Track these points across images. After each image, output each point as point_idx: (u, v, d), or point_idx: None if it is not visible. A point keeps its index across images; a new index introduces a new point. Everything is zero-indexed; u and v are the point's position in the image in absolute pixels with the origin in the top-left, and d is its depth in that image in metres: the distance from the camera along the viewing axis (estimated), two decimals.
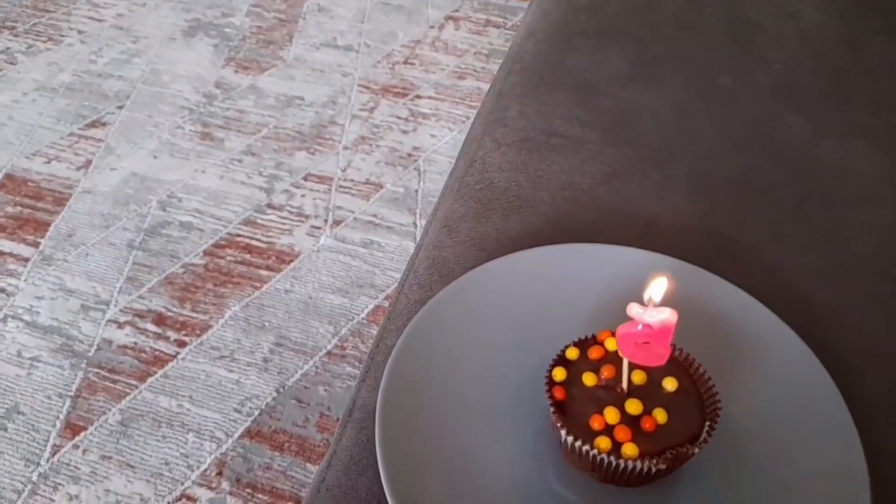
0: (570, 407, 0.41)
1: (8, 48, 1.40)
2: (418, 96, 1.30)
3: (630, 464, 0.39)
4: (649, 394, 0.41)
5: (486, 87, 1.33)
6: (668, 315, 0.37)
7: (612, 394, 0.41)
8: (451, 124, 1.25)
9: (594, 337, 0.44)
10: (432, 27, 1.48)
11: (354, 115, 1.26)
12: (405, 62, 1.39)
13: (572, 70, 0.59)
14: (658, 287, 0.40)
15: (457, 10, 1.51)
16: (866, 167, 0.52)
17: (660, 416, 0.41)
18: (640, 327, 0.38)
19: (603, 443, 0.39)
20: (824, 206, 0.50)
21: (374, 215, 1.08)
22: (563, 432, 0.40)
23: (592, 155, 0.52)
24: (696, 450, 0.40)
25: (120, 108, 1.27)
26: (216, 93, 1.31)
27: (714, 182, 0.51)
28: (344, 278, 0.99)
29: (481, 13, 1.51)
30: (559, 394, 0.42)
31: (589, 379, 0.42)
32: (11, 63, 1.36)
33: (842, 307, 0.44)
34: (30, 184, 1.13)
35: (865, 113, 0.56)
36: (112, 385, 0.87)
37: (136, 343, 0.91)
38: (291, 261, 1.01)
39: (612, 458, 0.39)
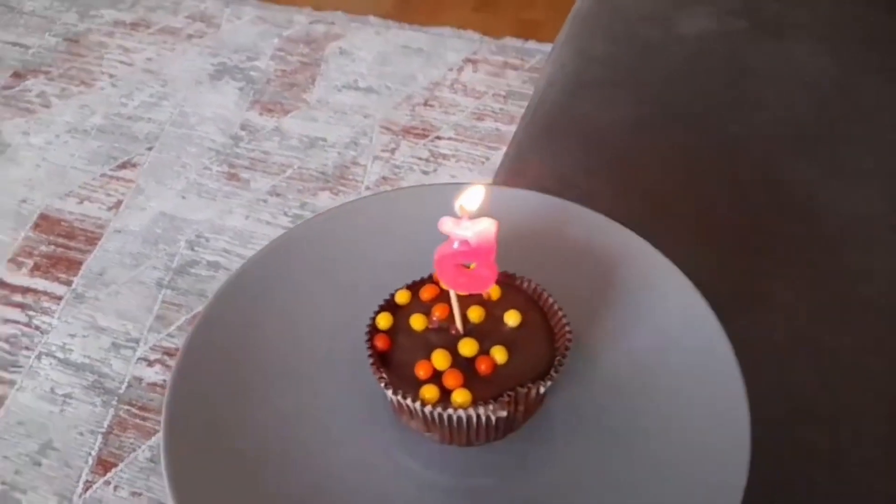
0: (395, 357, 0.35)
1: (43, 91, 1.46)
2: (438, 137, 1.34)
3: (463, 414, 0.33)
4: (488, 332, 0.35)
5: (504, 128, 1.37)
6: (486, 226, 0.31)
7: (444, 336, 0.35)
8: (471, 164, 1.28)
9: (430, 277, 0.38)
10: (451, 70, 1.52)
11: (376, 155, 1.30)
12: (425, 104, 1.43)
13: (582, 119, 0.62)
14: (471, 195, 0.34)
15: (475, 53, 1.56)
16: (868, 210, 0.54)
17: (498, 355, 0.34)
18: (455, 245, 0.32)
19: (428, 392, 0.33)
20: (830, 249, 0.51)
21: None
22: (382, 387, 0.35)
23: (604, 206, 0.55)
24: (541, 389, 0.34)
25: (149, 149, 1.31)
26: (242, 134, 1.35)
27: (721, 229, 0.53)
28: None
29: (499, 55, 1.55)
30: (382, 343, 0.36)
31: (417, 322, 0.36)
32: (46, 106, 1.42)
33: (849, 349, 0.45)
34: (63, 223, 1.17)
35: (867, 157, 0.58)
36: (142, 422, 0.89)
37: (165, 381, 0.94)
38: None
39: (440, 410, 0.33)
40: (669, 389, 0.37)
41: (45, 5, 1.74)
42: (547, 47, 1.56)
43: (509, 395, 0.33)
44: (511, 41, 1.59)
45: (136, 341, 0.99)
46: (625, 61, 0.67)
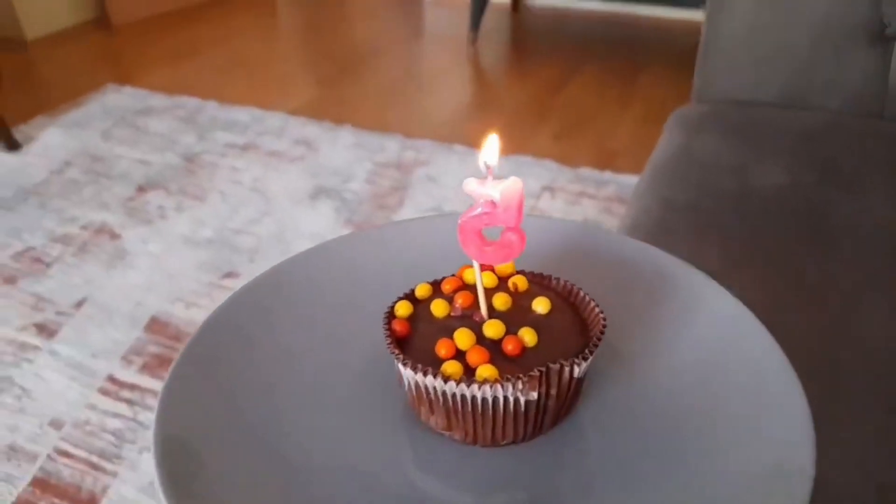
0: (414, 341, 0.32)
1: (161, 205, 1.62)
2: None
3: (489, 394, 0.30)
4: (515, 318, 0.32)
5: None
6: (511, 183, 0.29)
7: (468, 322, 0.32)
8: None
9: (452, 275, 0.35)
10: (530, 196, 1.61)
11: None
12: None
13: None
14: (492, 148, 0.32)
15: (553, 181, 1.65)
16: None
17: (527, 336, 0.31)
18: (479, 210, 0.30)
19: (451, 367, 0.30)
20: None
21: None
22: (401, 368, 0.31)
23: None
24: (574, 369, 0.31)
25: (251, 261, 1.43)
26: None
27: (808, 373, 0.56)
28: None
29: (576, 184, 1.64)
30: (400, 327, 0.33)
31: (439, 309, 0.33)
32: (163, 218, 1.57)
33: None
34: (171, 327, 1.27)
35: None
36: None
37: None
38: None
39: (464, 389, 0.30)
40: (717, 400, 0.34)
41: (169, 127, 1.95)
42: (622, 178, 1.64)
43: (540, 371, 0.30)
44: (588, 171, 1.68)
45: None
46: (706, 210, 0.73)
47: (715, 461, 0.31)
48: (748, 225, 0.71)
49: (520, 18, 2.85)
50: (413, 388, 0.32)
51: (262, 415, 0.34)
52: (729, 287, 0.40)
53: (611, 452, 0.32)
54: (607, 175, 1.66)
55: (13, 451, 1.02)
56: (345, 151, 1.81)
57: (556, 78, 2.24)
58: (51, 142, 1.89)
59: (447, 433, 0.33)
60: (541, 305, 0.33)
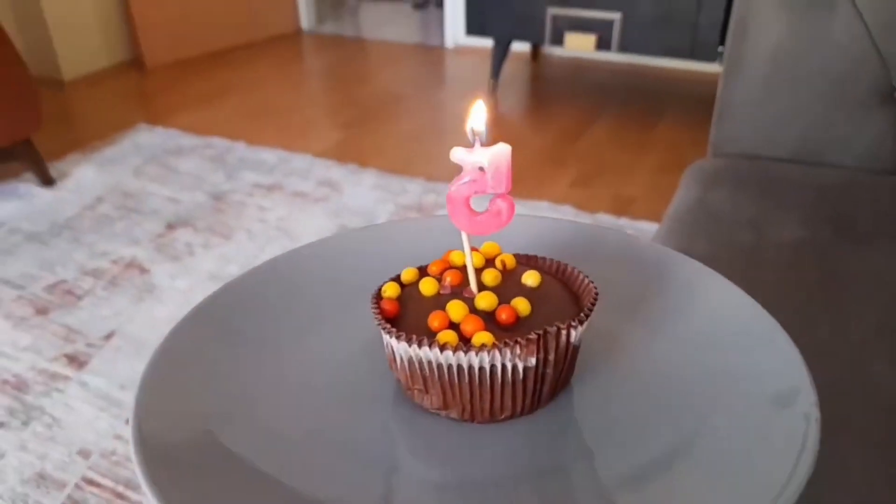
0: (405, 317, 0.32)
1: (189, 242, 1.67)
2: None
3: (487, 361, 0.29)
4: (507, 291, 0.32)
5: None
6: (499, 149, 0.29)
7: (458, 297, 0.32)
8: None
9: (438, 259, 0.35)
10: None
11: None
12: None
13: None
14: (478, 114, 0.31)
15: None
16: None
17: (521, 305, 0.31)
18: (467, 178, 0.30)
19: (446, 336, 0.29)
20: None
21: None
22: (392, 342, 0.30)
23: None
24: (571, 333, 0.31)
25: None
26: None
27: (827, 427, 0.58)
28: None
29: None
30: (389, 306, 0.32)
31: (428, 287, 0.32)
32: (190, 254, 1.62)
33: None
34: None
35: None
36: None
37: None
38: None
39: (460, 357, 0.29)
40: (712, 362, 0.33)
41: (198, 167, 2.02)
42: (640, 224, 1.68)
43: (538, 334, 0.29)
44: (605, 217, 1.71)
45: None
46: (722, 262, 0.76)
47: (715, 405, 0.31)
48: (763, 277, 0.74)
49: (539, 68, 2.93)
50: (406, 366, 0.31)
51: (249, 406, 0.33)
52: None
53: (610, 420, 0.32)
54: (624, 222, 1.69)
55: (42, 478, 1.05)
56: (368, 193, 1.86)
57: (573, 126, 2.30)
58: (84, 178, 1.96)
59: (443, 412, 0.32)
60: (531, 279, 0.33)
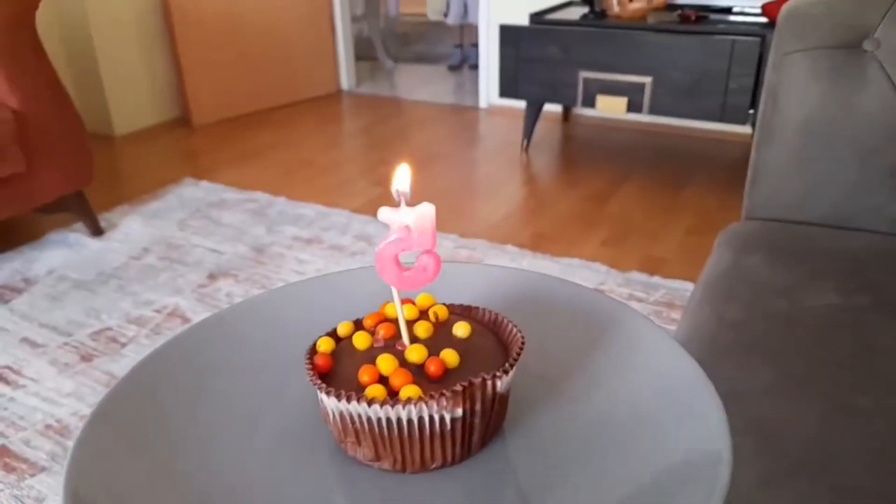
0: (337, 373, 0.32)
1: (230, 292, 1.72)
2: None
3: (414, 414, 0.30)
4: (437, 343, 0.33)
5: None
6: (424, 210, 0.30)
7: (390, 350, 0.33)
8: None
9: (374, 312, 0.36)
10: None
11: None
12: None
13: (723, 380, 0.71)
14: (403, 176, 0.32)
15: (602, 284, 1.70)
16: None
17: (449, 357, 0.32)
18: (394, 237, 0.31)
19: (374, 391, 0.30)
20: None
21: None
22: (323, 397, 0.31)
23: (745, 460, 0.62)
24: (497, 383, 0.31)
25: None
26: None
27: (858, 495, 0.59)
28: None
29: (625, 287, 1.69)
30: (322, 361, 0.32)
31: (361, 341, 0.33)
32: (231, 304, 1.67)
33: None
34: None
35: None
36: None
37: None
38: None
39: (388, 411, 0.30)
40: (641, 415, 0.34)
41: (240, 220, 2.09)
42: (671, 283, 1.69)
43: (463, 385, 0.30)
44: (636, 275, 1.73)
45: None
46: (757, 329, 0.77)
47: (641, 460, 0.32)
48: (798, 346, 0.75)
49: (570, 128, 2.99)
50: (339, 419, 0.32)
51: (184, 459, 0.33)
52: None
53: (540, 468, 0.32)
54: (656, 279, 1.71)
55: None
56: None
57: (604, 186, 2.34)
58: (131, 229, 2.04)
59: (376, 464, 0.32)
60: (461, 330, 0.34)
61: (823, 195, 1.02)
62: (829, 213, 1.02)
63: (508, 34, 2.38)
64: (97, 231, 2.00)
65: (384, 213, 0.31)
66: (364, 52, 4.03)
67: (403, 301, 0.34)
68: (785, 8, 1.06)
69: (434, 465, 0.33)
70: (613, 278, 1.72)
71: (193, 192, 2.30)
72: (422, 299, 0.36)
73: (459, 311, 0.37)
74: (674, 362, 0.37)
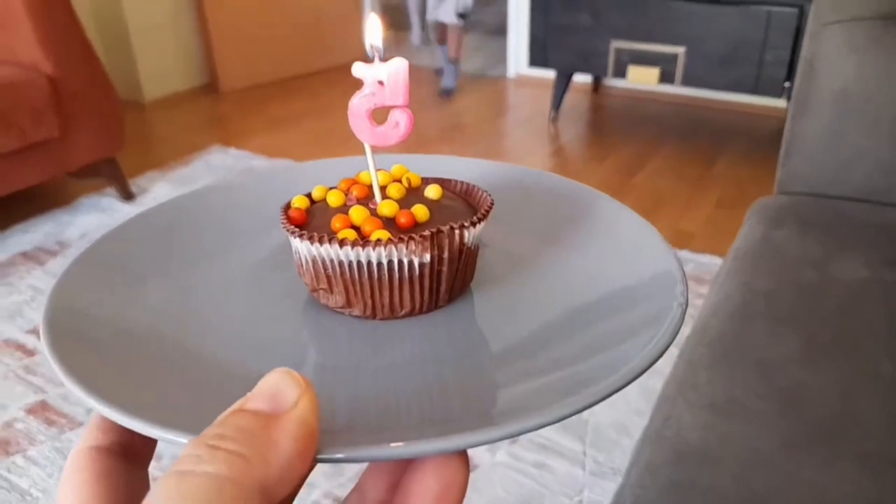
0: (311, 224, 0.34)
1: None
2: None
3: (384, 256, 0.31)
4: (408, 202, 0.34)
5: None
6: (396, 63, 0.31)
7: (363, 205, 0.34)
8: None
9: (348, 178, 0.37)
10: None
11: None
12: None
13: (751, 347, 0.71)
14: (375, 29, 0.33)
15: None
16: None
17: (419, 212, 0.33)
18: (367, 91, 0.32)
19: (345, 233, 0.31)
20: None
21: (547, 438, 1.19)
22: (296, 242, 0.32)
23: (769, 424, 0.62)
24: (464, 234, 0.33)
25: None
26: None
27: (879, 461, 0.59)
28: (517, 495, 1.08)
29: None
30: (297, 214, 0.34)
31: (335, 199, 0.34)
32: None
33: None
34: None
35: None
36: None
37: None
38: (472, 470, 1.12)
39: (359, 253, 0.31)
40: (606, 273, 0.36)
41: None
42: (700, 257, 1.67)
43: (431, 232, 0.32)
44: None
45: None
46: (786, 299, 0.76)
47: (599, 297, 0.34)
48: (826, 315, 0.74)
49: (599, 100, 2.95)
50: (311, 266, 0.33)
51: (160, 303, 0.34)
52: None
53: (504, 316, 0.34)
54: (685, 254, 1.69)
55: None
56: None
57: (633, 158, 2.31)
58: (160, 194, 2.07)
59: (347, 311, 0.34)
60: (433, 192, 0.35)
61: (857, 169, 1.01)
62: (863, 188, 1.00)
63: (538, 2, 2.34)
64: (128, 196, 2.04)
65: (357, 67, 0.32)
66: (396, 21, 4.00)
67: (378, 169, 0.36)
68: None
69: (403, 312, 0.34)
70: None
71: (222, 158, 2.33)
72: (396, 169, 0.38)
73: (431, 180, 0.38)
74: (643, 239, 0.38)
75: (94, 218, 1.95)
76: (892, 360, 0.68)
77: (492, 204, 0.36)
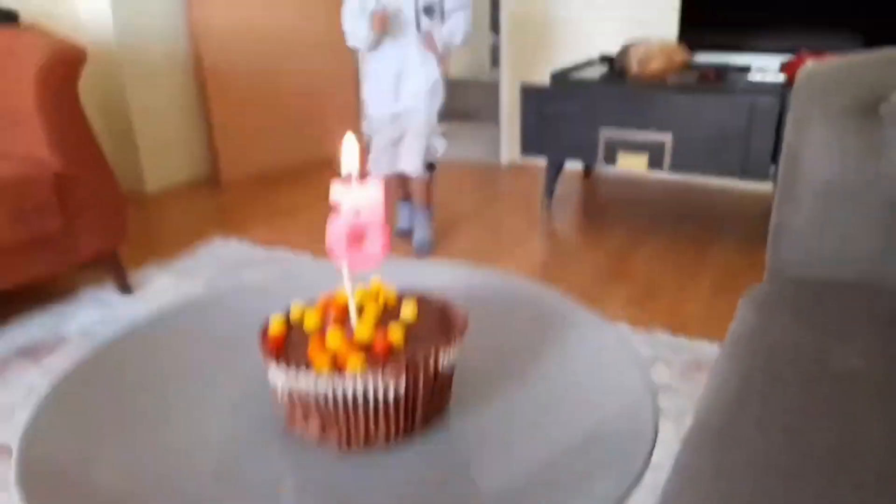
0: (288, 350, 0.33)
1: None
2: None
3: (360, 385, 0.29)
4: (384, 322, 0.33)
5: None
6: (373, 190, 0.30)
7: (339, 328, 0.33)
8: None
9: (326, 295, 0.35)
10: None
11: None
12: None
13: (748, 449, 0.71)
14: (351, 154, 0.31)
15: None
16: None
17: (395, 335, 0.32)
18: (344, 216, 0.30)
19: (321, 363, 0.30)
20: None
21: None
22: (273, 373, 0.31)
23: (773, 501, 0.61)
24: (439, 359, 0.31)
25: None
26: None
27: None
28: None
29: (650, 349, 1.67)
30: (275, 340, 0.33)
31: (312, 319, 0.34)
32: None
33: None
34: None
35: None
36: None
37: None
38: None
39: (335, 384, 0.29)
40: (574, 397, 0.35)
41: (266, 278, 2.13)
42: (698, 344, 1.67)
43: (406, 359, 0.31)
44: (661, 335, 1.72)
45: None
46: (781, 390, 0.76)
47: (573, 426, 0.34)
48: (821, 408, 0.74)
49: (591, 184, 3.02)
50: (287, 396, 0.33)
51: (139, 435, 0.33)
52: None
53: (481, 438, 0.33)
54: (681, 340, 1.69)
55: None
56: None
57: (627, 243, 2.34)
58: (160, 288, 2.08)
59: (323, 441, 0.33)
60: (408, 310, 0.35)
61: (846, 256, 1.03)
62: (852, 274, 1.02)
63: (530, 94, 2.43)
64: (127, 289, 2.05)
65: (335, 191, 0.32)
66: None
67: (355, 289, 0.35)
68: (802, 72, 1.09)
69: (378, 442, 0.33)
70: (638, 339, 1.71)
71: (222, 249, 2.35)
72: (372, 285, 0.38)
73: (408, 297, 0.38)
74: (611, 347, 0.40)
75: (93, 312, 1.95)
76: (888, 454, 0.68)
77: (465, 325, 0.35)
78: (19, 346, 1.77)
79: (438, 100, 2.17)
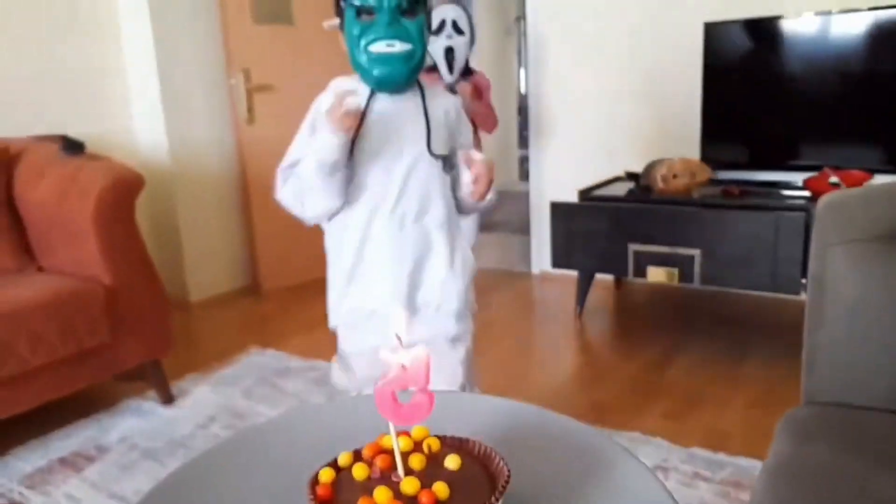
0: (337, 502, 0.34)
1: None
2: None
3: None
4: (430, 475, 0.34)
5: None
6: (418, 351, 0.33)
7: (386, 482, 0.34)
8: None
9: (372, 442, 0.37)
10: None
11: None
12: None
13: None
14: (402, 323, 0.35)
15: (665, 461, 1.67)
16: None
17: (440, 490, 0.33)
18: (392, 377, 0.33)
19: None
20: None
21: None
22: None
23: None
24: None
25: None
26: None
27: None
28: None
29: (689, 465, 1.65)
30: (323, 492, 0.34)
31: (359, 472, 0.35)
32: None
33: None
34: None
35: None
36: None
37: None
38: None
39: None
40: None
41: (303, 388, 2.16)
42: (737, 460, 1.64)
43: None
44: (700, 451, 1.69)
45: None
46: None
47: None
48: (854, 467, 0.74)
49: (623, 295, 3.05)
50: None
51: None
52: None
53: None
54: (721, 457, 1.67)
55: None
56: None
57: (661, 355, 2.34)
58: (200, 397, 2.13)
59: None
60: (452, 462, 0.37)
61: (880, 381, 1.04)
62: (887, 398, 1.03)
63: (559, 210, 2.52)
64: (168, 399, 2.10)
65: (383, 353, 0.35)
66: None
67: (399, 433, 0.37)
68: (823, 201, 1.14)
69: None
70: (676, 454, 1.69)
71: (259, 360, 2.41)
72: (416, 431, 0.40)
73: (451, 443, 0.40)
74: (648, 489, 0.41)
75: (134, 422, 1.99)
76: None
77: (508, 478, 0.37)
78: (61, 455, 1.81)
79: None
